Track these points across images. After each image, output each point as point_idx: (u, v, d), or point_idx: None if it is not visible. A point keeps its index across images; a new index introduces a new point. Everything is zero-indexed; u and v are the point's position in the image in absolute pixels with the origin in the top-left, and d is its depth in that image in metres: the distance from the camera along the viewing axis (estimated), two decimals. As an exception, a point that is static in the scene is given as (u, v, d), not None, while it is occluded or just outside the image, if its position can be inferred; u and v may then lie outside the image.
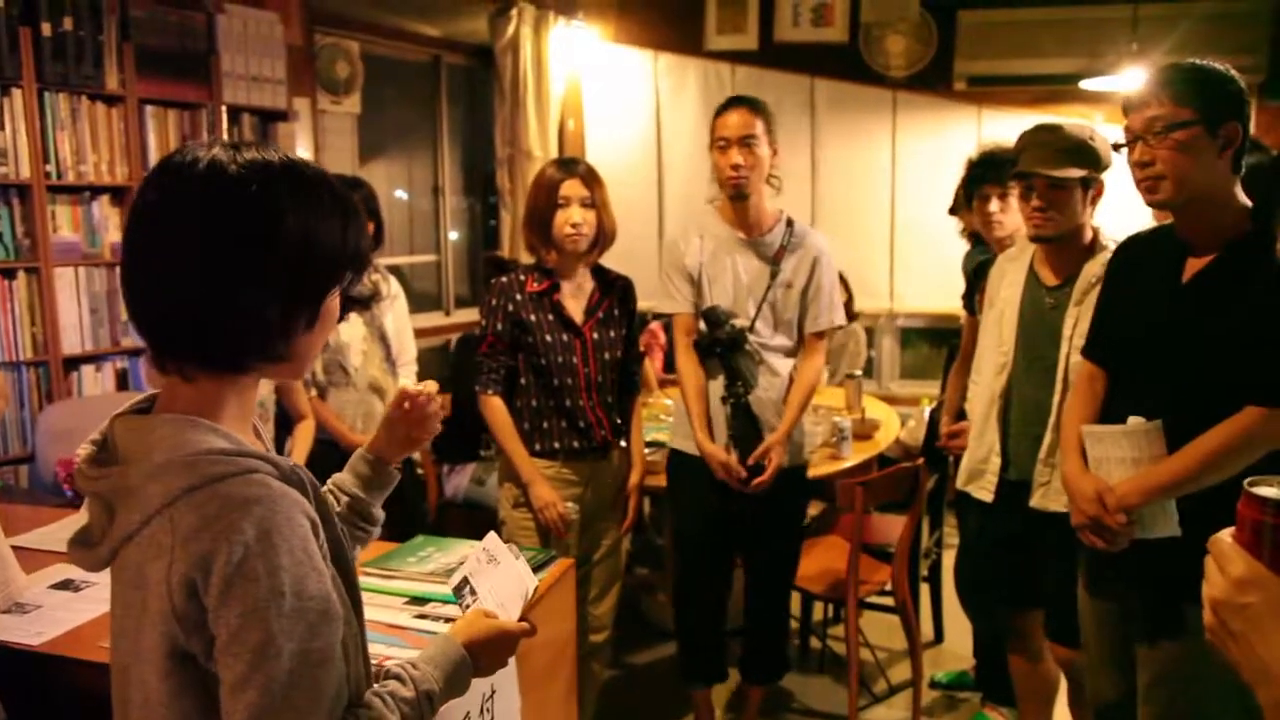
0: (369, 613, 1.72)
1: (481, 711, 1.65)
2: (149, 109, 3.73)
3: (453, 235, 5.66)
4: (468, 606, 1.46)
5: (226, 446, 1.01)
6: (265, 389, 2.92)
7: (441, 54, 5.42)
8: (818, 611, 3.65)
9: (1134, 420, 1.89)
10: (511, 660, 1.78)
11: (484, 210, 5.94)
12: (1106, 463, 1.93)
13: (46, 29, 3.33)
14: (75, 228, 3.60)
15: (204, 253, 1.00)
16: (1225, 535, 0.92)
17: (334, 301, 1.11)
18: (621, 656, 3.50)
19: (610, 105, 5.67)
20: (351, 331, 3.16)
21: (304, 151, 4.45)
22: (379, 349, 3.24)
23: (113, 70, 3.59)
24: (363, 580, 1.51)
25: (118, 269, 3.62)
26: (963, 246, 5.06)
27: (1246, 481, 0.90)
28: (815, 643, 3.60)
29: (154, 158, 3.76)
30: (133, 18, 3.61)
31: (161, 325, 1.04)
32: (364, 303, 3.14)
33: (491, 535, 1.54)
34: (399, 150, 5.40)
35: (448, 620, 1.75)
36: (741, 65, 5.41)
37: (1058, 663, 2.55)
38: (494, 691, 1.70)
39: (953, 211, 3.67)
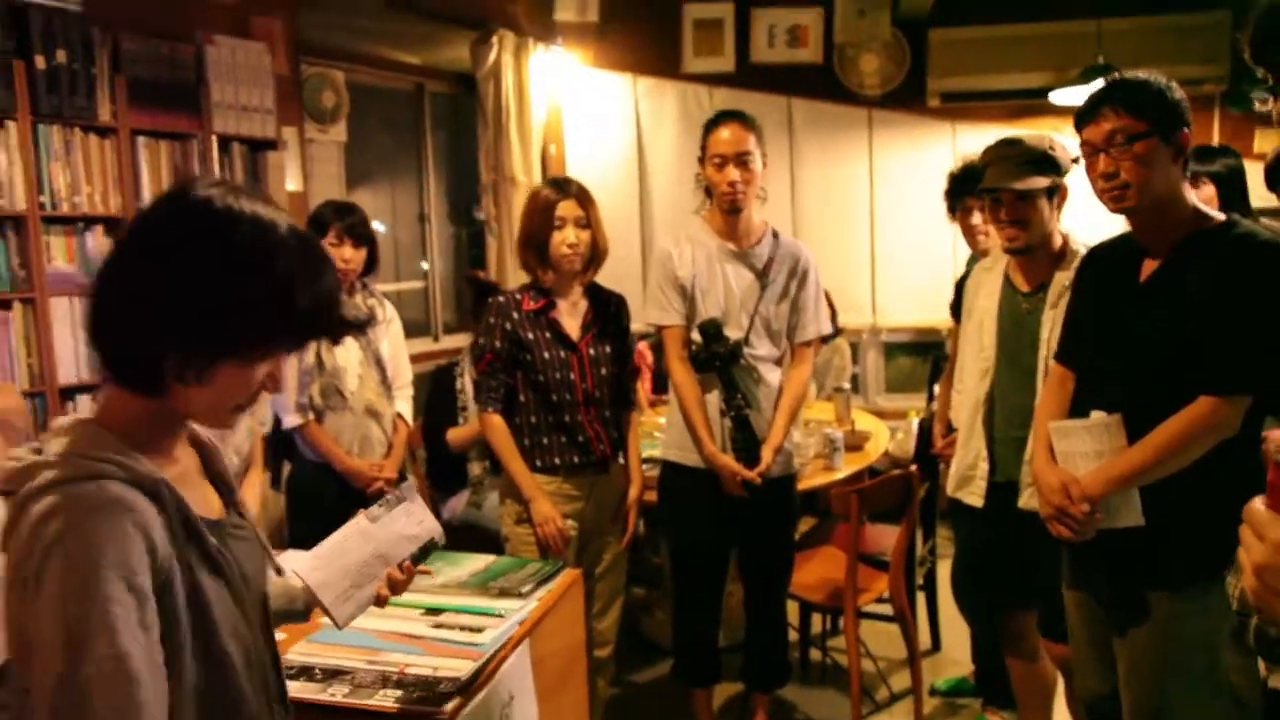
0: (389, 624, 1.77)
1: (502, 716, 1.70)
2: (141, 140, 3.77)
3: (439, 262, 5.71)
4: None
5: (88, 450, 1.07)
6: (240, 437, 2.87)
7: (425, 82, 5.49)
8: (816, 624, 3.70)
9: (1096, 414, 1.98)
10: (529, 667, 1.84)
11: (469, 237, 6.00)
12: (1072, 456, 2.01)
13: (40, 62, 3.37)
14: (70, 258, 3.62)
15: (104, 282, 1.11)
16: (1258, 503, 0.98)
17: (235, 370, 1.11)
18: (623, 674, 3.53)
19: (591, 129, 5.74)
20: (348, 355, 3.19)
21: (293, 181, 4.50)
22: (375, 373, 3.27)
23: (105, 102, 3.62)
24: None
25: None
26: (941, 260, 5.19)
27: (1275, 449, 0.97)
28: (815, 654, 3.64)
29: (146, 188, 3.78)
30: (124, 50, 3.66)
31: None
32: (359, 327, 3.18)
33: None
34: (385, 177, 5.45)
35: (463, 628, 1.80)
36: (719, 87, 5.49)
37: (1053, 660, 2.61)
38: (512, 698, 1.74)
39: None
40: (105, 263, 1.13)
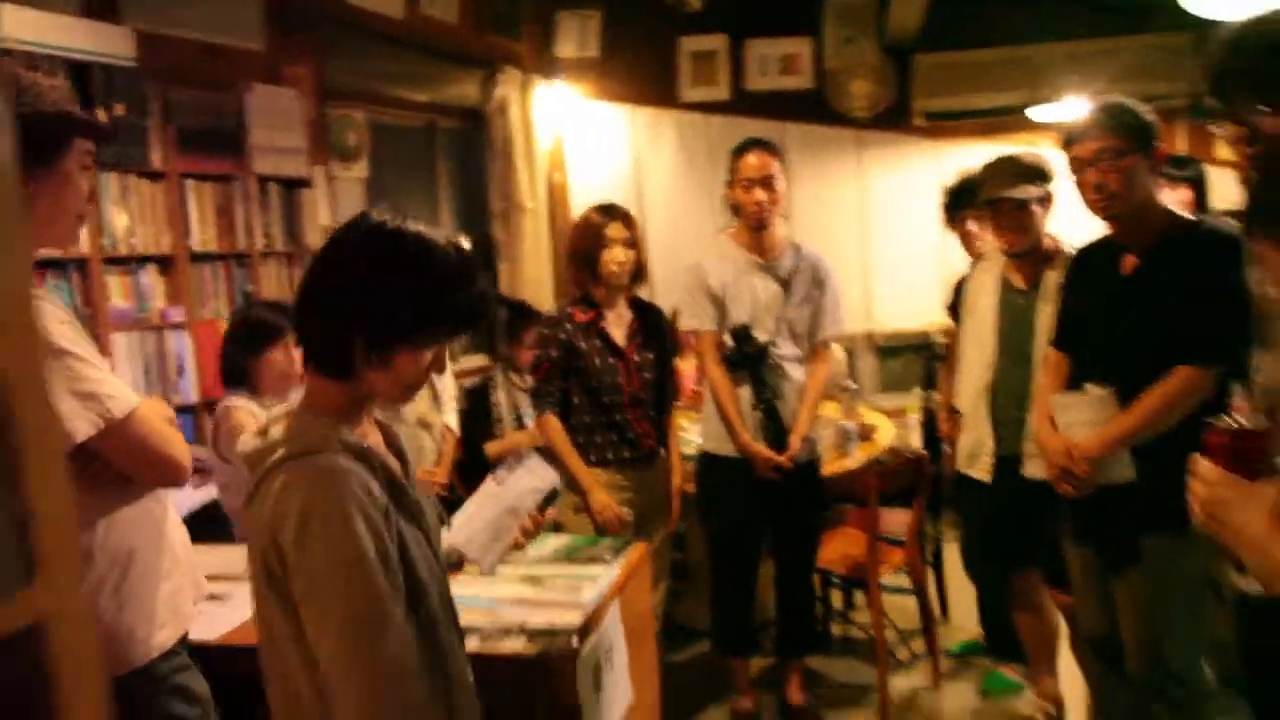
0: (500, 591, 2.07)
1: (606, 660, 1.99)
2: (189, 183, 4.05)
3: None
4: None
5: (305, 430, 1.36)
6: None
7: (436, 119, 5.81)
8: (835, 600, 4.01)
9: (1090, 388, 2.31)
10: (620, 623, 2.13)
11: (481, 262, 6.30)
12: (1072, 426, 2.33)
13: (102, 115, 3.65)
14: (126, 296, 3.89)
15: (305, 292, 1.41)
16: (1198, 457, 1.36)
17: (409, 356, 1.37)
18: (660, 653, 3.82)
19: (593, 157, 6.05)
20: (401, 372, 3.49)
21: (323, 216, 4.79)
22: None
23: (157, 148, 3.90)
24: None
25: (165, 332, 3.96)
26: (928, 268, 5.55)
27: (1207, 420, 1.36)
28: (836, 629, 3.96)
29: (195, 226, 4.07)
30: (173, 101, 3.95)
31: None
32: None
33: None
34: (403, 210, 5.75)
35: (564, 590, 2.09)
36: (715, 114, 5.84)
37: (1059, 607, 2.94)
38: (611, 647, 2.04)
39: None
40: (304, 278, 1.43)
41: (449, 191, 5.96)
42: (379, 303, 1.35)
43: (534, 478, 1.73)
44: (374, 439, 1.49)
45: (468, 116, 5.94)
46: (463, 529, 1.71)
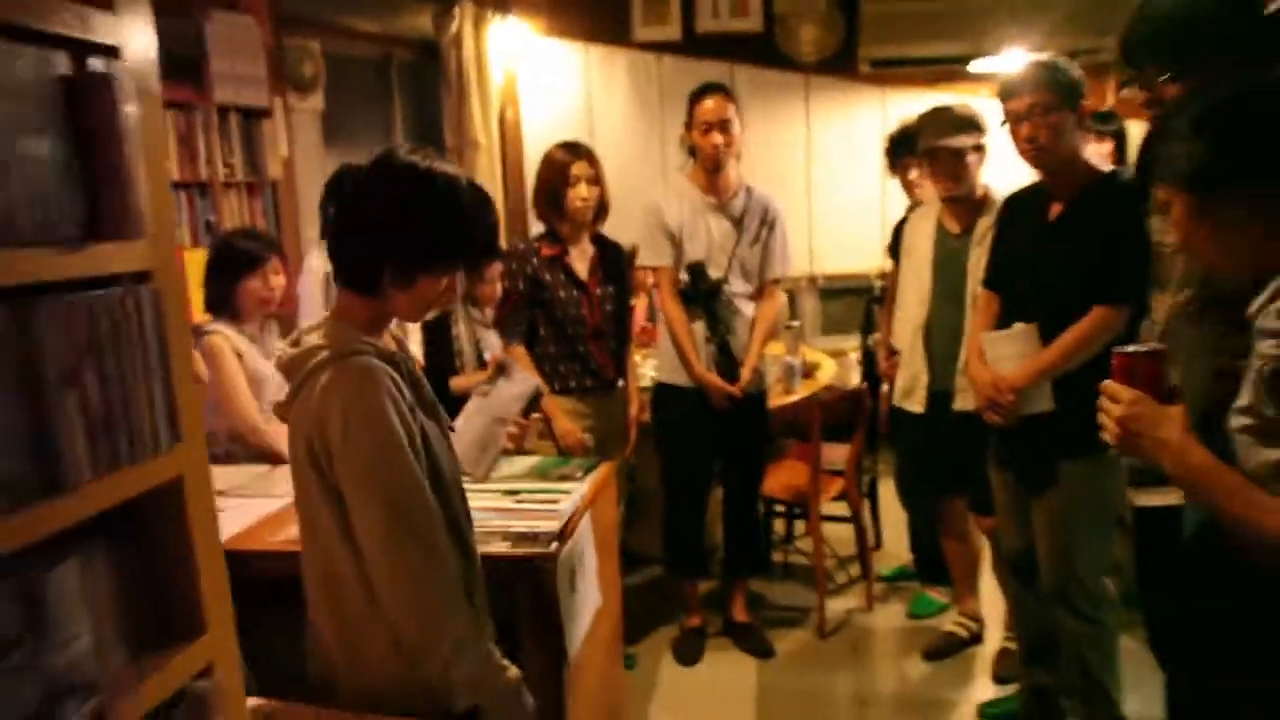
0: (482, 503, 2.24)
1: (579, 565, 2.19)
2: (151, 111, 4.07)
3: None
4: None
5: (341, 336, 1.53)
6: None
7: (391, 50, 5.82)
8: (778, 529, 4.27)
9: (1017, 325, 2.55)
10: (591, 533, 2.33)
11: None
12: (999, 360, 2.57)
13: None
14: (92, 224, 3.92)
15: (339, 221, 1.56)
16: (1109, 383, 1.57)
17: (430, 280, 1.55)
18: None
19: (545, 94, 6.11)
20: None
21: (282, 147, 4.82)
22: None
23: (117, 76, 3.91)
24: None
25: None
26: (870, 212, 5.77)
27: (1114, 349, 1.57)
28: (778, 556, 4.22)
29: (157, 155, 4.10)
30: (132, 28, 3.94)
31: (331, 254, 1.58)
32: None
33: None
34: (358, 143, 5.77)
35: (541, 502, 2.27)
36: (666, 54, 5.93)
37: (982, 531, 3.21)
38: (583, 554, 2.24)
39: None
40: (337, 209, 1.58)
41: (404, 126, 5.99)
42: (409, 234, 1.52)
43: (516, 385, 1.90)
44: (394, 348, 1.66)
45: (423, 49, 5.95)
46: (454, 444, 1.87)
